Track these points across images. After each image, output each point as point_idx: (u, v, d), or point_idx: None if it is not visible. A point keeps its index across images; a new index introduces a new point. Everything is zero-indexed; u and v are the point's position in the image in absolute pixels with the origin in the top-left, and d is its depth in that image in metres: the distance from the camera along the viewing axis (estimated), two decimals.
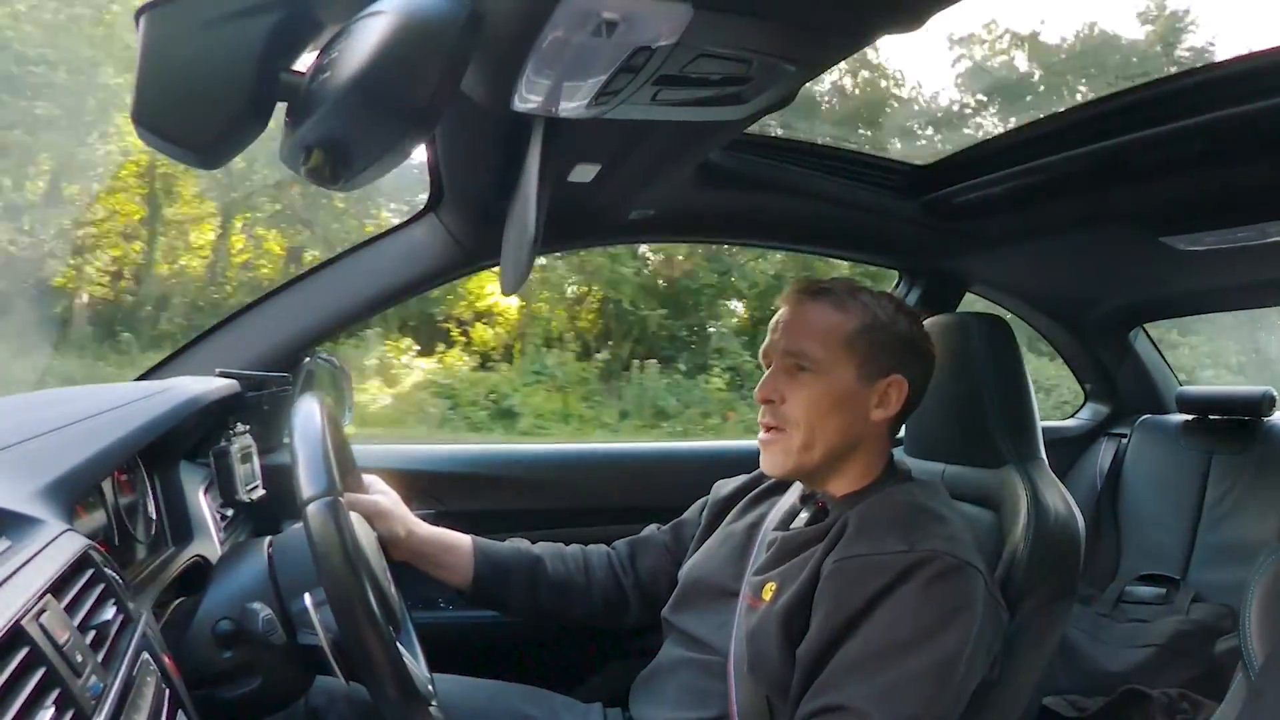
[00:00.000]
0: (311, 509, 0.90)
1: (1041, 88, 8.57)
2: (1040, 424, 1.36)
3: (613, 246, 6.70)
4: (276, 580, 1.03)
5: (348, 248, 1.69)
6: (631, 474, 2.03)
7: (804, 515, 1.22)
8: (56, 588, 0.70)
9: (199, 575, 1.18)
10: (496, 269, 1.47)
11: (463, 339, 7.30)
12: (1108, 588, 2.40)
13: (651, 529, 1.47)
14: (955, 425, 1.35)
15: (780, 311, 1.21)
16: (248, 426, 1.48)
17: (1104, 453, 2.63)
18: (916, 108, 8.56)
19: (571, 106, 0.87)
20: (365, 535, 1.11)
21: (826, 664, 1.03)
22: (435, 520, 1.36)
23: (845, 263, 5.03)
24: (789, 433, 1.15)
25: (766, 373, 1.19)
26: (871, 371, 1.15)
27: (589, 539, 1.47)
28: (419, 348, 7.08)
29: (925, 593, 1.02)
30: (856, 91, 8.21)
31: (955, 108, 8.63)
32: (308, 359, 1.66)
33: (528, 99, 0.87)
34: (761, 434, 1.19)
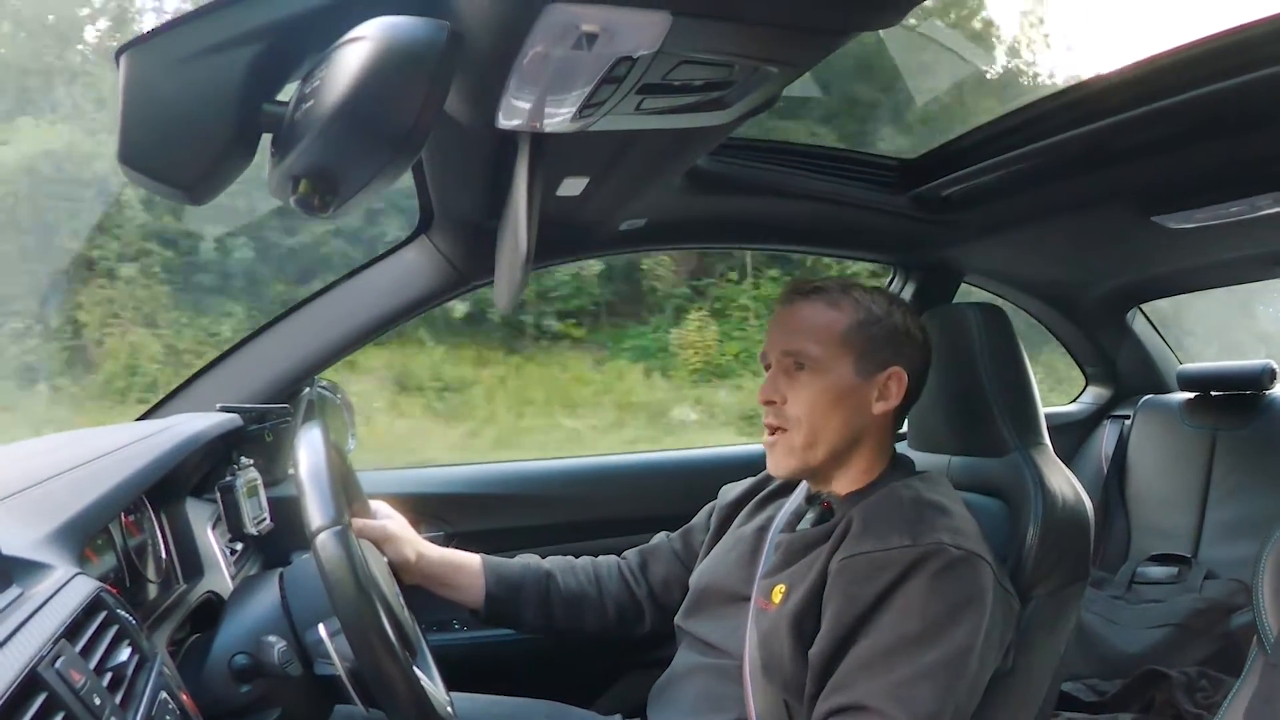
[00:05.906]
0: (321, 539, 0.90)
1: None
2: (1042, 410, 1.36)
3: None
4: (290, 612, 1.03)
5: (340, 276, 1.69)
6: (638, 484, 2.02)
7: (810, 516, 1.22)
8: (70, 632, 0.70)
9: (212, 611, 1.18)
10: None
11: None
12: (1120, 570, 2.39)
13: (661, 537, 1.46)
14: (958, 416, 1.35)
15: (775, 313, 1.21)
16: (252, 460, 1.47)
17: (1108, 436, 2.63)
18: None
19: (556, 121, 0.87)
20: (376, 561, 1.11)
21: (839, 663, 1.03)
22: (445, 541, 1.36)
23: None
24: (792, 432, 1.15)
25: (766, 375, 1.19)
26: (870, 365, 1.15)
27: (599, 551, 1.46)
28: None
29: (933, 586, 1.02)
30: None
31: None
32: (308, 388, 1.66)
33: (512, 116, 0.87)
34: (765, 435, 1.19)
